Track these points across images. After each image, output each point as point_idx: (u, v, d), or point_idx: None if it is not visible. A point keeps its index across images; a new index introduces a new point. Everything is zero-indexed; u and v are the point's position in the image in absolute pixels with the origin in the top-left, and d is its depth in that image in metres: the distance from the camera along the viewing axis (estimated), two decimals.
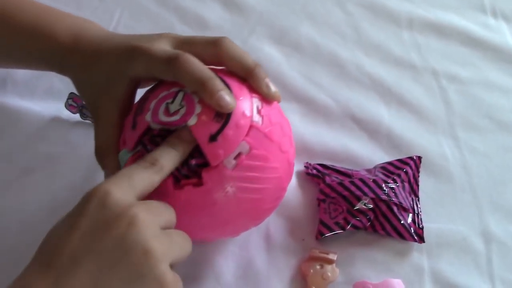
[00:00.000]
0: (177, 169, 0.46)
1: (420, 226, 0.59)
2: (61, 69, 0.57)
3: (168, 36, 0.53)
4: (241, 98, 0.47)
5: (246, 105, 0.47)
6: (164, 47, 0.51)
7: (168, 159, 0.45)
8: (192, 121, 0.46)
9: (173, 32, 0.54)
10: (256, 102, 0.49)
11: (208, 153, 0.46)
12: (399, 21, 0.80)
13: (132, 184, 0.42)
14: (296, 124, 0.68)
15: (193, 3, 0.80)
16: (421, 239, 0.58)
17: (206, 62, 0.49)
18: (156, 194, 0.44)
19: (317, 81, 0.73)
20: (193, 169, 0.46)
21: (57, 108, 0.67)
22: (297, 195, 0.62)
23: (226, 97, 0.46)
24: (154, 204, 0.43)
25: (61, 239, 0.39)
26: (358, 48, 0.77)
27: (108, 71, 0.52)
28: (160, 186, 0.44)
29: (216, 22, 0.79)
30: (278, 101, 0.52)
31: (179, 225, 0.49)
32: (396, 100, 0.71)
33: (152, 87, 0.51)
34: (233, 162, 0.46)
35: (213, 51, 0.50)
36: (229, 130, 0.46)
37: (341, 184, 0.60)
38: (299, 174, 0.64)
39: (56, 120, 0.67)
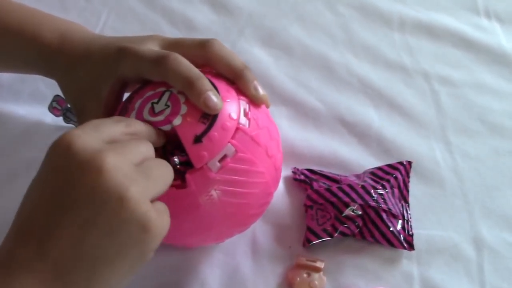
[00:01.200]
0: None
1: (410, 233, 0.58)
2: (47, 71, 0.57)
3: (156, 38, 0.52)
4: (228, 100, 0.47)
5: (233, 107, 0.47)
6: (153, 47, 0.51)
7: (140, 124, 0.44)
8: (177, 121, 0.45)
9: (160, 34, 0.54)
10: (243, 104, 0.48)
11: (192, 155, 0.45)
12: (390, 23, 0.79)
13: (99, 130, 0.40)
14: (284, 128, 0.67)
15: (181, 5, 0.79)
16: (411, 246, 0.57)
17: (194, 64, 0.48)
18: None
19: (306, 84, 0.72)
20: (177, 171, 0.45)
21: (41, 112, 0.66)
22: (284, 201, 0.61)
23: (213, 97, 0.45)
24: (124, 142, 0.41)
25: (33, 202, 0.38)
26: (348, 50, 0.76)
27: (95, 72, 0.52)
28: None
29: (204, 24, 0.78)
30: (267, 105, 0.51)
31: None
32: (387, 103, 0.70)
33: (138, 88, 0.50)
34: (218, 164, 0.45)
35: (201, 52, 0.50)
36: (214, 132, 0.45)
37: (328, 190, 0.58)
38: (286, 179, 0.63)
39: (41, 124, 0.66)
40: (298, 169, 0.63)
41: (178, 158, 0.45)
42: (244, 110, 0.48)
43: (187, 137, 0.45)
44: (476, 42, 0.77)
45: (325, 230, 0.57)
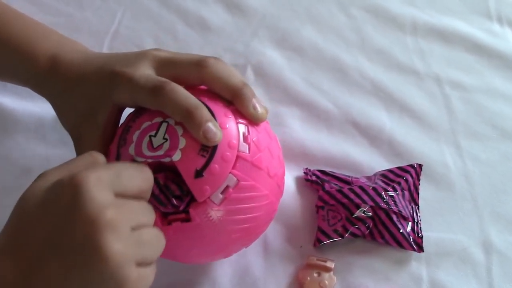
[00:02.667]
0: (164, 205, 0.45)
1: (420, 235, 0.59)
2: (39, 91, 0.56)
3: (149, 56, 0.50)
4: (227, 126, 0.46)
5: (232, 135, 0.46)
6: (147, 71, 0.49)
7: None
8: (176, 156, 0.44)
9: (155, 50, 0.52)
10: (242, 128, 0.47)
11: (194, 190, 0.44)
12: (403, 26, 0.79)
13: (119, 178, 0.39)
14: (296, 129, 0.67)
15: (195, 5, 0.80)
16: (420, 249, 0.58)
17: (190, 83, 0.48)
18: None
19: (319, 85, 0.72)
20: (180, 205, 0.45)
21: None
22: (295, 201, 0.62)
23: (213, 128, 0.44)
24: (131, 204, 0.40)
25: (32, 227, 0.38)
26: (361, 53, 0.76)
27: (90, 96, 0.51)
28: None
29: (218, 24, 0.78)
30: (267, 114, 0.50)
31: (168, 255, 0.48)
32: (398, 106, 0.71)
33: (135, 113, 0.49)
34: (220, 196, 0.45)
35: (197, 73, 0.49)
36: (215, 164, 0.45)
37: (340, 191, 0.59)
38: (298, 180, 0.63)
39: (56, 122, 0.66)
40: (309, 170, 0.63)
41: (177, 202, 0.45)
42: (243, 134, 0.47)
43: (187, 172, 0.44)
44: (488, 47, 0.77)
45: (335, 231, 0.58)
